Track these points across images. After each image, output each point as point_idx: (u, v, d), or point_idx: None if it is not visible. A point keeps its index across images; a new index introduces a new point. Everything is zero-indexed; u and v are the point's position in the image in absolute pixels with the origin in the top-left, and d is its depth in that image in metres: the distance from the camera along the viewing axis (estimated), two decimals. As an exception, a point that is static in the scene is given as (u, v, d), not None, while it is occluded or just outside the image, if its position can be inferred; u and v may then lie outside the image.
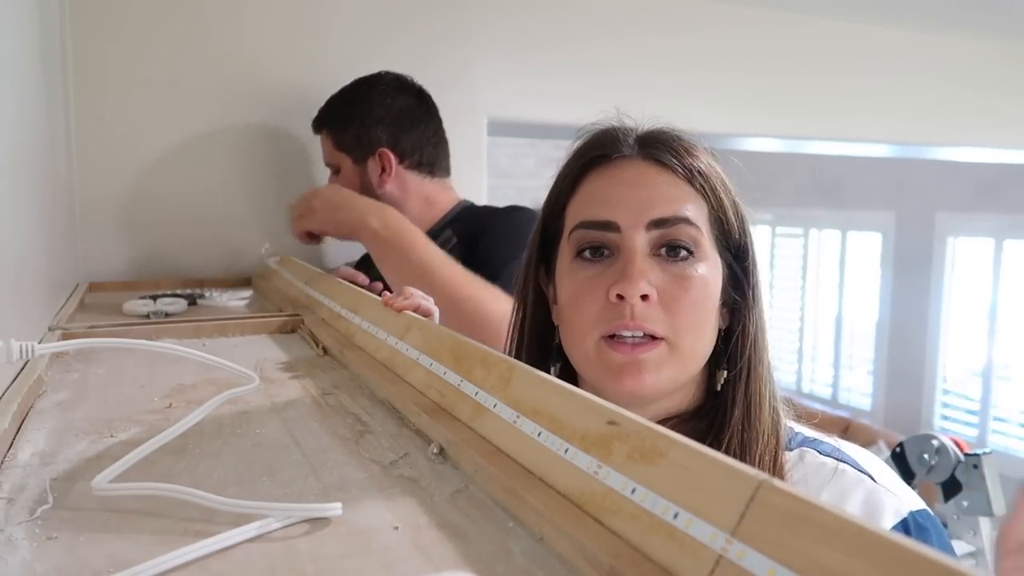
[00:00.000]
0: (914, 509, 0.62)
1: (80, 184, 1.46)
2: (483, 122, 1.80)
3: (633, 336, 0.64)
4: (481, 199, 1.80)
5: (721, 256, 0.68)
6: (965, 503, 2.21)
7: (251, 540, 0.38)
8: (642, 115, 0.72)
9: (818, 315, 5.68)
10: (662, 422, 0.68)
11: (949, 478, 2.24)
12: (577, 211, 0.70)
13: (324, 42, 1.63)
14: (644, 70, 2.01)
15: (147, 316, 1.04)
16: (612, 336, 0.64)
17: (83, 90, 1.45)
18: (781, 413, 0.69)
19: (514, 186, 6.04)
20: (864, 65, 2.35)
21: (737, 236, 0.69)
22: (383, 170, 1.36)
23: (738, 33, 2.15)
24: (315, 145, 1.50)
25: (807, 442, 0.68)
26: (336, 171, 1.42)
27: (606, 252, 0.67)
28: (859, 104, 2.34)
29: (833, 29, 2.29)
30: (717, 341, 0.69)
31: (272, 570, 0.35)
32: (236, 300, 1.26)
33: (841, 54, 2.32)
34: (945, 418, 5.05)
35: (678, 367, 0.65)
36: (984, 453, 2.24)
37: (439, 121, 1.43)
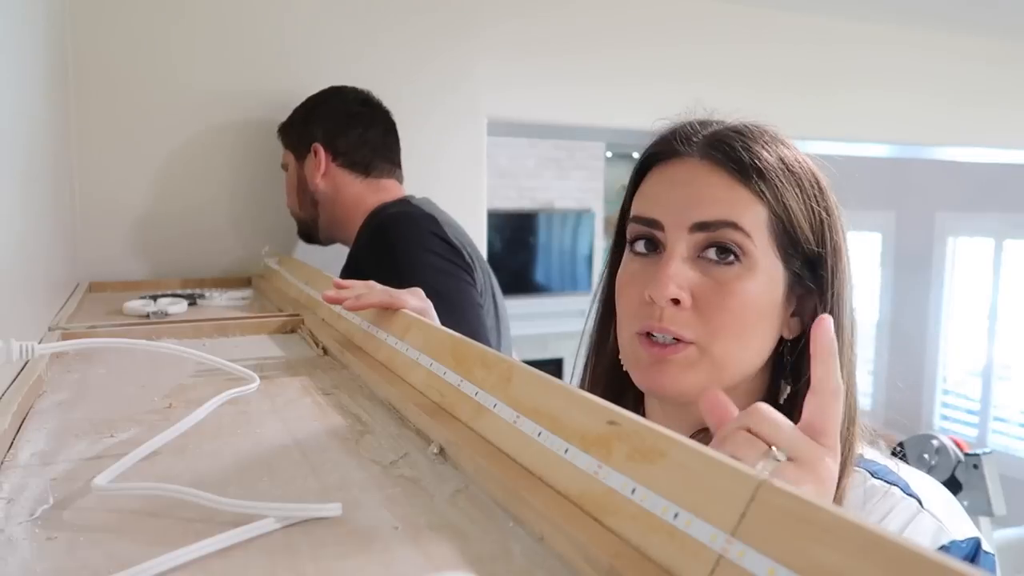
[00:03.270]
0: (958, 538, 0.59)
1: (80, 184, 1.46)
2: (483, 122, 1.80)
3: (663, 337, 0.64)
4: (481, 199, 1.80)
5: (785, 263, 0.64)
6: (965, 503, 2.21)
7: (251, 540, 0.38)
8: (726, 107, 0.70)
9: (818, 315, 5.67)
10: (707, 430, 0.68)
11: (949, 478, 2.24)
12: (635, 205, 0.69)
13: (324, 43, 1.63)
14: (644, 70, 2.01)
15: (147, 316, 1.04)
16: (645, 333, 0.65)
17: (84, 91, 1.45)
18: (855, 440, 0.65)
19: (514, 186, 6.05)
20: (864, 65, 2.35)
21: (811, 244, 0.65)
22: (316, 166, 1.41)
23: (737, 33, 2.15)
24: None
25: (862, 463, 0.65)
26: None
27: (655, 247, 0.66)
28: (859, 104, 2.34)
29: (833, 29, 2.29)
30: (783, 352, 0.66)
31: (272, 570, 0.35)
32: (236, 300, 1.26)
33: (841, 54, 2.32)
34: (945, 418, 5.05)
35: (708, 373, 0.64)
36: (984, 453, 2.25)
37: (387, 129, 1.45)
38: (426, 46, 1.72)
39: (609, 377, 0.74)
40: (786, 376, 0.67)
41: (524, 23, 1.86)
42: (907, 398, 5.14)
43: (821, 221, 0.65)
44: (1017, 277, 4.68)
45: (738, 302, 0.62)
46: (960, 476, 2.22)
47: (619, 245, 0.74)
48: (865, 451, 0.67)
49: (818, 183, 0.67)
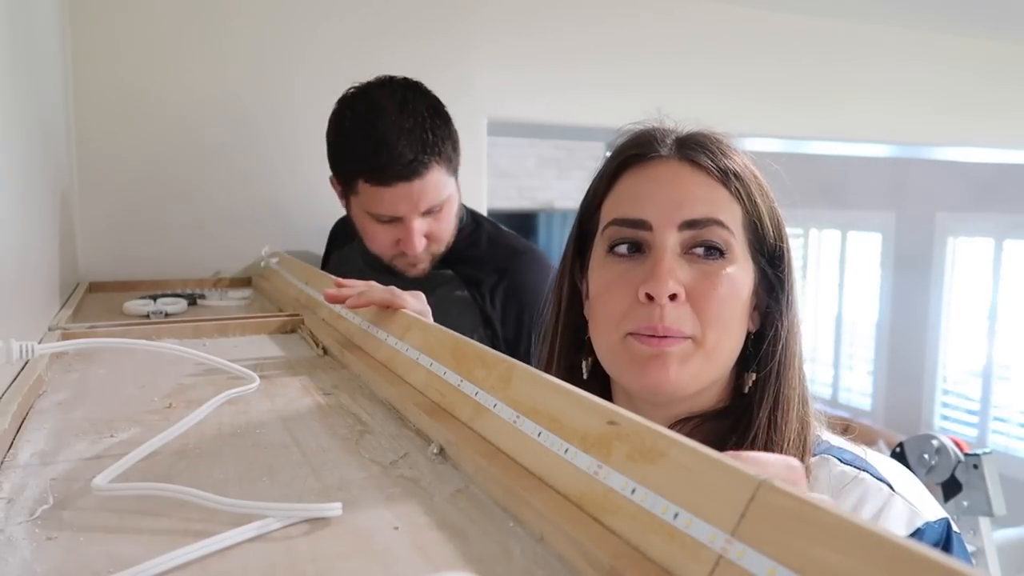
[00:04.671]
0: (931, 520, 0.61)
1: (80, 184, 1.46)
2: (483, 122, 1.80)
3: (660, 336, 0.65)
4: (481, 199, 1.80)
5: (753, 260, 0.68)
6: (965, 503, 2.21)
7: (251, 540, 0.38)
8: (683, 116, 0.72)
9: (818, 315, 5.68)
10: (685, 421, 0.69)
11: (949, 478, 2.24)
12: (611, 208, 0.70)
13: (327, 42, 1.63)
14: (644, 71, 2.01)
15: (147, 316, 1.04)
16: (639, 333, 0.65)
17: (84, 90, 1.45)
18: (811, 420, 0.68)
19: (514, 186, 6.04)
20: (865, 65, 2.35)
21: (772, 242, 0.69)
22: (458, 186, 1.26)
23: (738, 34, 2.15)
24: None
25: (831, 450, 0.67)
26: (429, 211, 1.18)
27: (638, 249, 0.67)
28: (859, 104, 2.34)
29: (834, 29, 2.29)
30: (747, 344, 0.69)
31: (272, 570, 0.35)
32: (236, 300, 1.26)
33: (841, 54, 2.32)
34: (945, 418, 5.05)
35: (703, 363, 0.65)
36: (984, 453, 2.24)
37: None
38: (428, 47, 1.71)
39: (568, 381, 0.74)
40: (749, 367, 0.70)
41: (524, 23, 1.86)
42: (907, 398, 5.14)
43: (778, 222, 0.70)
44: (1017, 277, 4.68)
45: (726, 290, 0.65)
46: (960, 476, 2.22)
47: (579, 248, 0.75)
48: (831, 438, 0.70)
49: (767, 185, 0.71)
